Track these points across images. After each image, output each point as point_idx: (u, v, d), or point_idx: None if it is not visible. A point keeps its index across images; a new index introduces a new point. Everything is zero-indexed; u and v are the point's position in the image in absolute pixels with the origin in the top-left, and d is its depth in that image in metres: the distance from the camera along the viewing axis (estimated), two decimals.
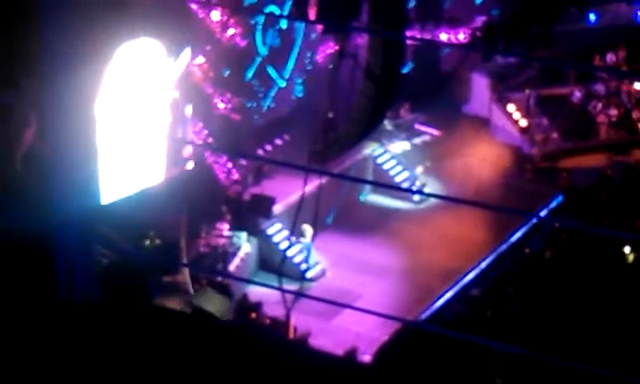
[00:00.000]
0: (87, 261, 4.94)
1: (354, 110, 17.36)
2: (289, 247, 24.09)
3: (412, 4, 29.03)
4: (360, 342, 21.63)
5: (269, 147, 27.47)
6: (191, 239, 23.47)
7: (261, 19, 26.22)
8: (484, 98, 32.41)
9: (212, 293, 22.38)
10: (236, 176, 24.93)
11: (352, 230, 27.14)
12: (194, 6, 22.72)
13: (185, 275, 22.68)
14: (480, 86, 32.56)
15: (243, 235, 24.80)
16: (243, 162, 25.28)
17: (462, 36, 30.79)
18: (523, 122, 31.70)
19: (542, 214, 27.54)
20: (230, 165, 24.78)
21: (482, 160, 29.51)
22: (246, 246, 24.81)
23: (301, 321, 21.69)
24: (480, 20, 31.44)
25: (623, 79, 31.94)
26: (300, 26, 27.11)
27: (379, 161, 29.55)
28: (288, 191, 24.18)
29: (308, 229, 24.38)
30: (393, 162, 29.69)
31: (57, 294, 4.89)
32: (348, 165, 27.37)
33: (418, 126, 31.22)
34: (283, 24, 26.76)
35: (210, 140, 23.93)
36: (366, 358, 20.90)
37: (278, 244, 25.10)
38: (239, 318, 22.33)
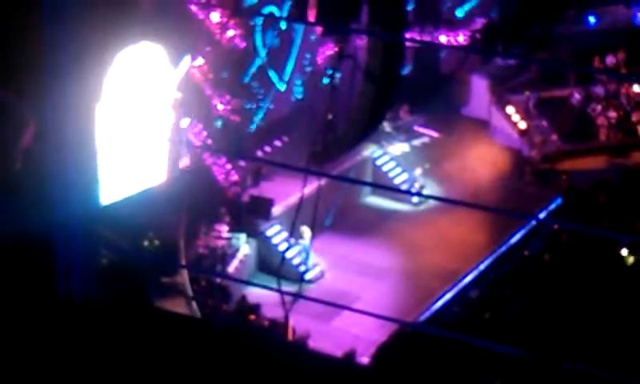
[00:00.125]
0: (87, 261, 4.94)
1: (354, 112, 17.38)
2: (288, 249, 24.08)
3: (411, 6, 29.03)
4: (359, 344, 21.63)
5: (268, 149, 27.46)
6: (190, 240, 23.47)
7: (260, 20, 26.22)
8: (483, 100, 32.41)
9: None
10: (235, 177, 24.93)
11: (351, 232, 27.13)
12: (193, 8, 22.73)
13: (183, 276, 22.68)
14: (479, 88, 32.57)
15: (242, 237, 24.80)
16: (242, 163, 25.28)
17: (461, 38, 30.81)
18: (522, 124, 31.71)
19: (541, 216, 27.56)
20: (228, 166, 24.77)
21: (481, 162, 29.53)
22: (244, 247, 24.81)
23: (300, 322, 21.68)
24: (480, 22, 31.46)
25: (622, 82, 31.95)
26: (299, 27, 27.12)
27: (378, 162, 29.55)
28: (287, 193, 24.16)
29: (306, 230, 24.39)
30: (392, 164, 29.70)
31: (56, 294, 4.90)
32: (347, 166, 27.36)
33: (417, 128, 31.23)
34: (283, 25, 26.76)
35: (209, 141, 23.94)
36: (365, 359, 20.90)
37: (276, 245, 25.10)
38: (238, 319, 22.34)
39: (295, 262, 24.86)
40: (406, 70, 28.71)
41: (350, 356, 20.40)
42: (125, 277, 17.50)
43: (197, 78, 23.66)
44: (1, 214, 6.09)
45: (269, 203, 24.89)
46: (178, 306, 21.64)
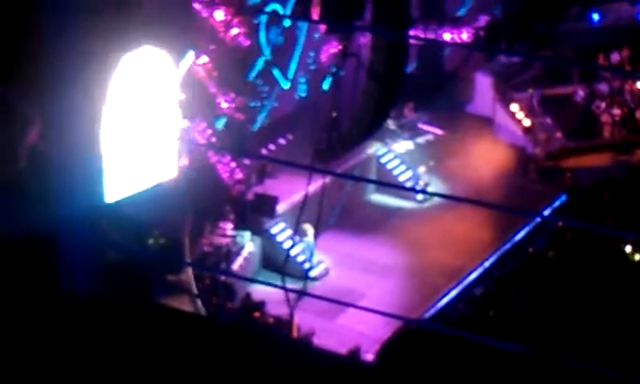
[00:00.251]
0: (91, 258, 4.95)
1: (358, 110, 17.35)
2: (292, 246, 24.09)
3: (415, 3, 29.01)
4: (363, 341, 21.63)
5: (272, 147, 27.46)
6: (195, 238, 23.47)
7: (264, 18, 26.21)
8: (487, 97, 32.38)
9: None
10: (239, 175, 24.93)
11: (356, 229, 27.14)
12: (197, 6, 22.72)
13: (188, 274, 22.68)
14: (483, 86, 32.54)
15: (247, 234, 24.81)
16: (247, 161, 25.28)
17: (465, 35, 30.78)
18: (527, 122, 31.67)
19: (546, 213, 27.52)
20: (233, 164, 24.78)
21: (486, 159, 29.50)
22: (249, 245, 24.82)
23: (304, 320, 21.69)
24: (483, 19, 31.42)
25: (627, 79, 31.91)
26: (303, 26, 27.11)
27: (383, 160, 29.55)
28: (291, 191, 24.17)
29: (309, 228, 24.37)
30: (396, 162, 29.69)
31: (59, 292, 4.91)
32: (352, 164, 27.36)
33: (421, 126, 31.22)
34: (287, 23, 26.77)
35: (214, 139, 23.94)
36: (370, 357, 20.90)
37: (281, 243, 25.11)
38: (243, 316, 22.34)
39: (300, 259, 24.87)
40: (410, 68, 28.69)
41: (354, 353, 20.40)
42: (129, 275, 17.51)
43: (201, 76, 23.67)
44: (6, 212, 6.10)
45: (273, 201, 24.89)
46: (182, 304, 21.65)
